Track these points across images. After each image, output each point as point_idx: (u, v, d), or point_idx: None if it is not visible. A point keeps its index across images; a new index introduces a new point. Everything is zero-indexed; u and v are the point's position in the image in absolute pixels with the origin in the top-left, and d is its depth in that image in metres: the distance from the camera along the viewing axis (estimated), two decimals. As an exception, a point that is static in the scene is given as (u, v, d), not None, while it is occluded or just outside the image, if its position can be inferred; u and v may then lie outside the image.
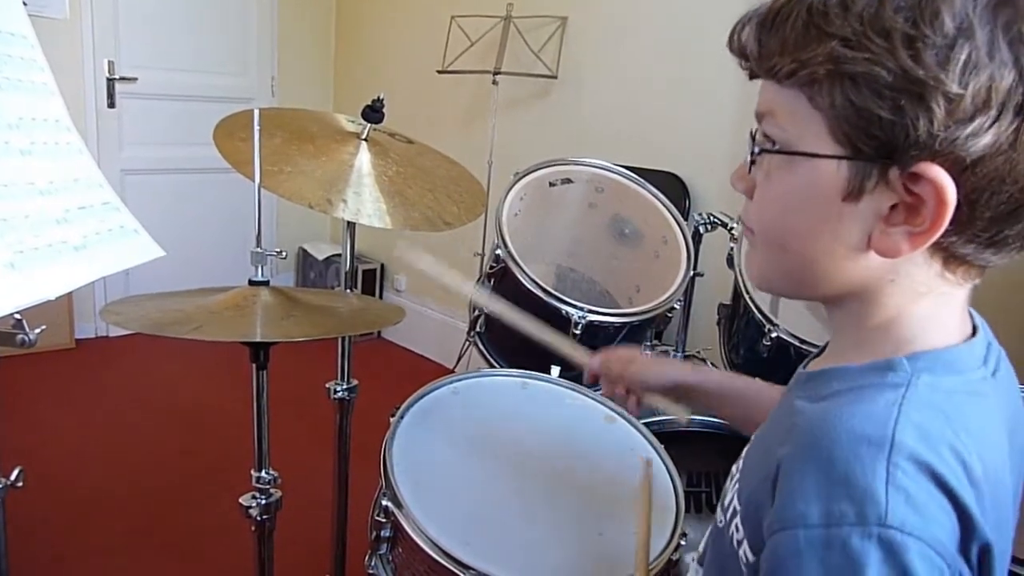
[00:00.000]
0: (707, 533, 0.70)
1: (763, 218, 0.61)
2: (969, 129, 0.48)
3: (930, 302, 0.56)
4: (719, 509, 0.67)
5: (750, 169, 0.61)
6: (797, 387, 0.63)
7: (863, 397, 0.53)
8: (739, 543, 0.59)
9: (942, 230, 0.51)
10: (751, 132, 0.61)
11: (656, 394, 1.04)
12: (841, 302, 0.60)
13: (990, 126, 0.48)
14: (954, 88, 0.48)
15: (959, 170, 0.50)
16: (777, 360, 1.54)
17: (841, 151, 0.53)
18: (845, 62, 0.50)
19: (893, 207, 0.52)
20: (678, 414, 1.07)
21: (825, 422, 0.52)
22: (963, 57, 0.48)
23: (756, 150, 0.60)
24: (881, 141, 0.51)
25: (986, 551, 0.49)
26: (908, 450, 0.48)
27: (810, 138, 0.54)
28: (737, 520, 0.60)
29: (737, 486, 0.64)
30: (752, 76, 0.59)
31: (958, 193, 0.50)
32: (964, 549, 0.48)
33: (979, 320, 0.61)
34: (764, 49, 0.56)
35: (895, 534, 0.46)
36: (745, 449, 0.69)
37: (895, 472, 0.47)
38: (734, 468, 0.68)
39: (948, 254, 0.54)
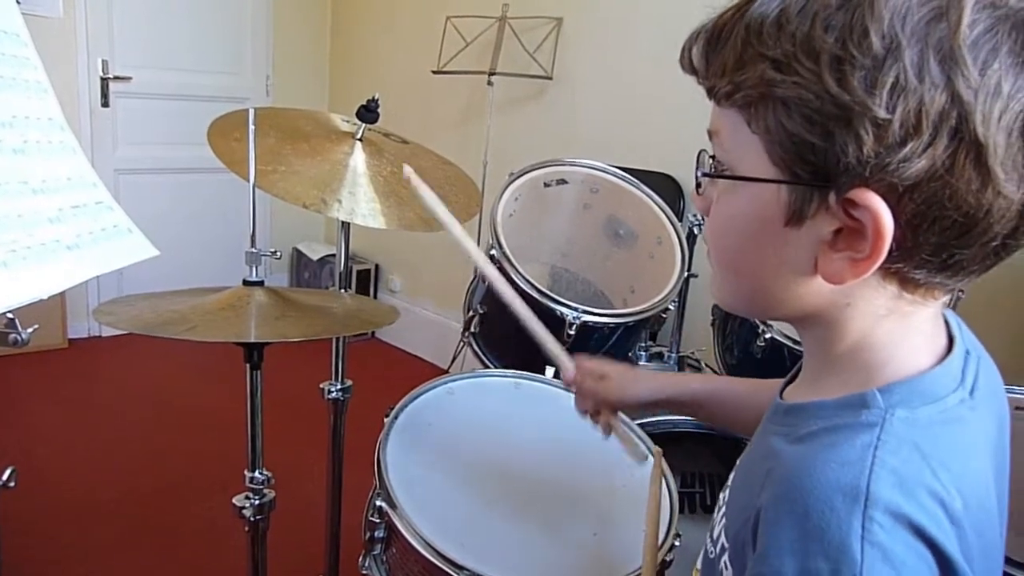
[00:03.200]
0: (700, 555, 0.69)
1: (714, 241, 0.60)
2: (900, 154, 0.46)
3: (894, 323, 0.54)
4: (708, 539, 0.65)
5: (698, 190, 0.61)
6: (775, 420, 0.61)
7: (837, 440, 0.51)
8: None
9: (883, 257, 0.49)
10: (699, 152, 0.60)
11: (620, 426, 1.01)
12: (805, 325, 0.59)
13: (923, 151, 0.46)
14: (881, 113, 0.46)
15: (895, 196, 0.47)
16: (771, 361, 1.55)
17: (779, 175, 0.51)
18: (775, 85, 0.49)
19: (838, 232, 0.51)
20: (634, 456, 1.05)
21: (801, 470, 0.50)
22: (890, 79, 0.45)
23: (699, 172, 0.59)
24: (816, 166, 0.49)
25: None
26: (884, 502, 0.46)
27: (750, 161, 0.53)
28: (725, 558, 0.59)
29: (724, 521, 0.63)
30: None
31: (898, 219, 0.48)
32: None
33: (955, 326, 0.59)
34: (710, 68, 0.55)
35: None
36: (730, 477, 0.68)
37: (871, 527, 0.46)
38: (721, 498, 0.67)
39: (901, 278, 0.52)
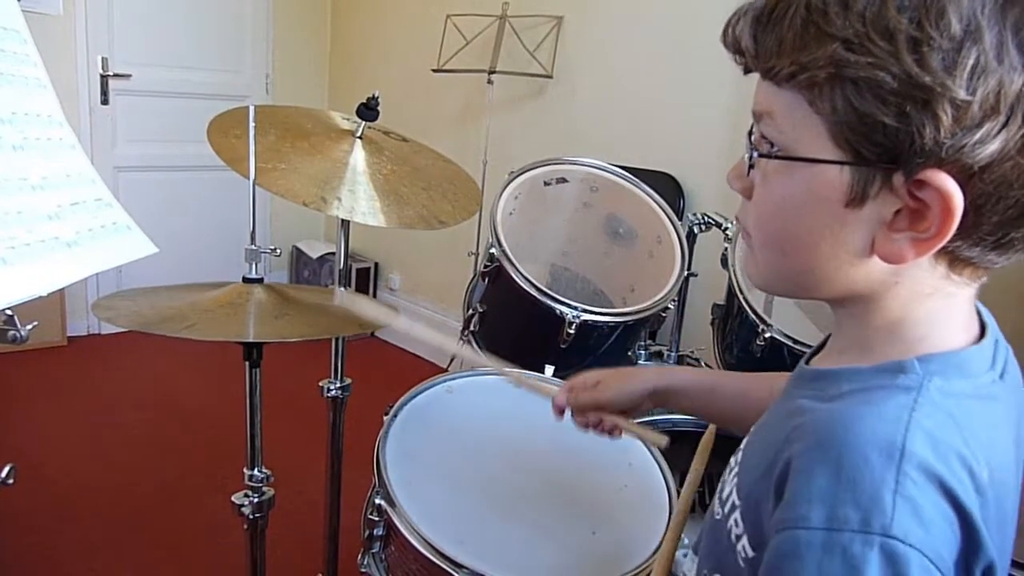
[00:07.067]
0: (704, 522, 0.70)
1: (762, 223, 0.60)
2: (977, 136, 0.47)
3: (935, 303, 0.55)
4: (716, 501, 0.66)
5: (748, 171, 0.60)
6: (801, 385, 0.62)
7: (874, 399, 0.52)
8: (738, 537, 0.58)
9: (948, 237, 0.50)
10: (748, 131, 0.59)
11: (627, 421, 0.99)
12: (844, 303, 0.59)
13: (998, 132, 0.47)
14: (961, 94, 0.46)
15: (966, 176, 0.48)
16: (771, 360, 1.55)
17: (843, 156, 0.51)
18: (847, 66, 0.48)
19: (897, 212, 0.51)
20: (654, 441, 1.01)
21: (836, 423, 0.51)
22: (971, 61, 0.46)
23: (754, 154, 0.58)
24: (885, 147, 0.49)
25: (990, 570, 0.49)
26: (918, 459, 0.47)
27: (810, 142, 0.53)
28: (736, 515, 0.59)
29: (736, 480, 0.63)
30: (747, 71, 0.57)
31: (964, 199, 0.48)
32: (966, 565, 0.48)
33: (987, 316, 0.60)
34: (761, 47, 0.54)
35: (898, 545, 0.45)
36: (744, 441, 0.68)
37: (904, 481, 0.46)
38: (732, 460, 0.67)
39: (953, 257, 0.53)
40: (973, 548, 0.48)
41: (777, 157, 0.56)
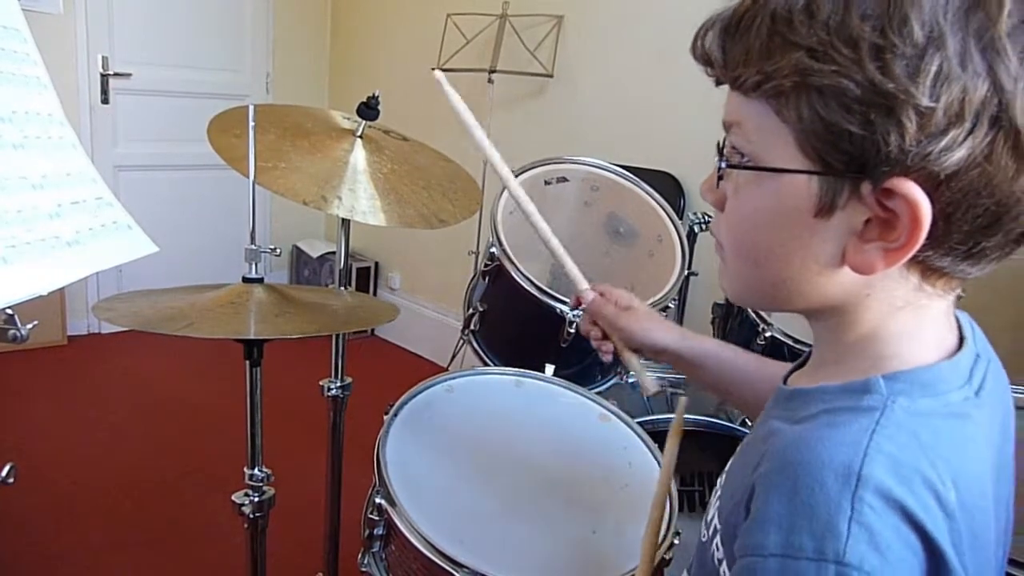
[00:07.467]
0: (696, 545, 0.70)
1: (733, 234, 0.60)
2: (942, 143, 0.46)
3: (908, 315, 0.55)
4: (703, 523, 0.65)
5: (718, 183, 0.60)
6: (777, 404, 0.62)
7: (837, 421, 0.51)
8: (720, 561, 0.57)
9: (918, 246, 0.49)
10: (718, 143, 0.59)
11: (634, 355, 0.99)
12: (818, 316, 0.59)
13: (964, 139, 0.46)
14: (925, 101, 0.45)
15: (933, 185, 0.48)
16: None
17: (811, 166, 0.51)
18: (811, 74, 0.48)
19: (867, 222, 0.51)
20: (646, 385, 0.99)
21: (796, 447, 0.50)
22: (934, 68, 0.45)
23: (723, 164, 0.58)
24: (851, 156, 0.49)
25: None
26: (876, 483, 0.46)
27: (778, 152, 0.52)
28: (717, 539, 0.59)
29: (718, 503, 0.63)
30: (718, 83, 0.57)
31: (933, 208, 0.48)
32: None
33: (968, 329, 0.59)
34: (728, 57, 0.54)
35: (852, 572, 0.44)
36: (729, 462, 0.68)
37: (860, 507, 0.45)
38: (719, 482, 0.67)
39: (925, 267, 0.53)
40: (941, 573, 0.47)
41: (745, 167, 0.56)
